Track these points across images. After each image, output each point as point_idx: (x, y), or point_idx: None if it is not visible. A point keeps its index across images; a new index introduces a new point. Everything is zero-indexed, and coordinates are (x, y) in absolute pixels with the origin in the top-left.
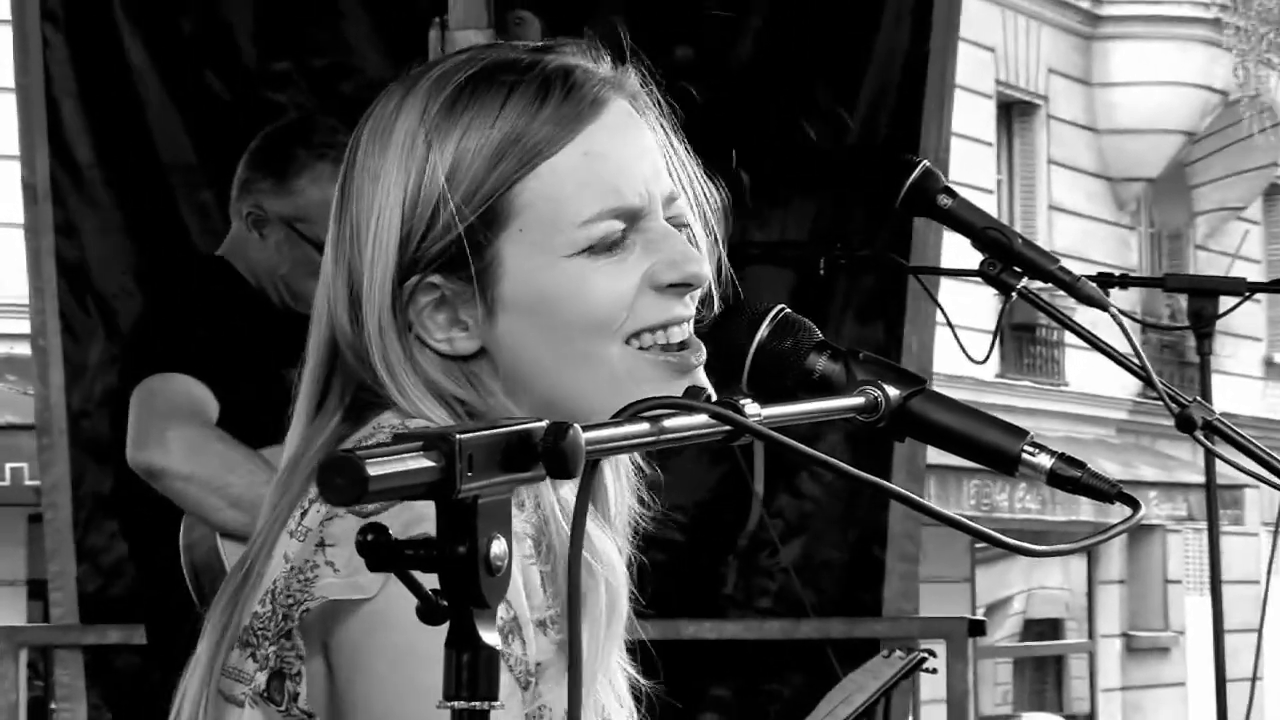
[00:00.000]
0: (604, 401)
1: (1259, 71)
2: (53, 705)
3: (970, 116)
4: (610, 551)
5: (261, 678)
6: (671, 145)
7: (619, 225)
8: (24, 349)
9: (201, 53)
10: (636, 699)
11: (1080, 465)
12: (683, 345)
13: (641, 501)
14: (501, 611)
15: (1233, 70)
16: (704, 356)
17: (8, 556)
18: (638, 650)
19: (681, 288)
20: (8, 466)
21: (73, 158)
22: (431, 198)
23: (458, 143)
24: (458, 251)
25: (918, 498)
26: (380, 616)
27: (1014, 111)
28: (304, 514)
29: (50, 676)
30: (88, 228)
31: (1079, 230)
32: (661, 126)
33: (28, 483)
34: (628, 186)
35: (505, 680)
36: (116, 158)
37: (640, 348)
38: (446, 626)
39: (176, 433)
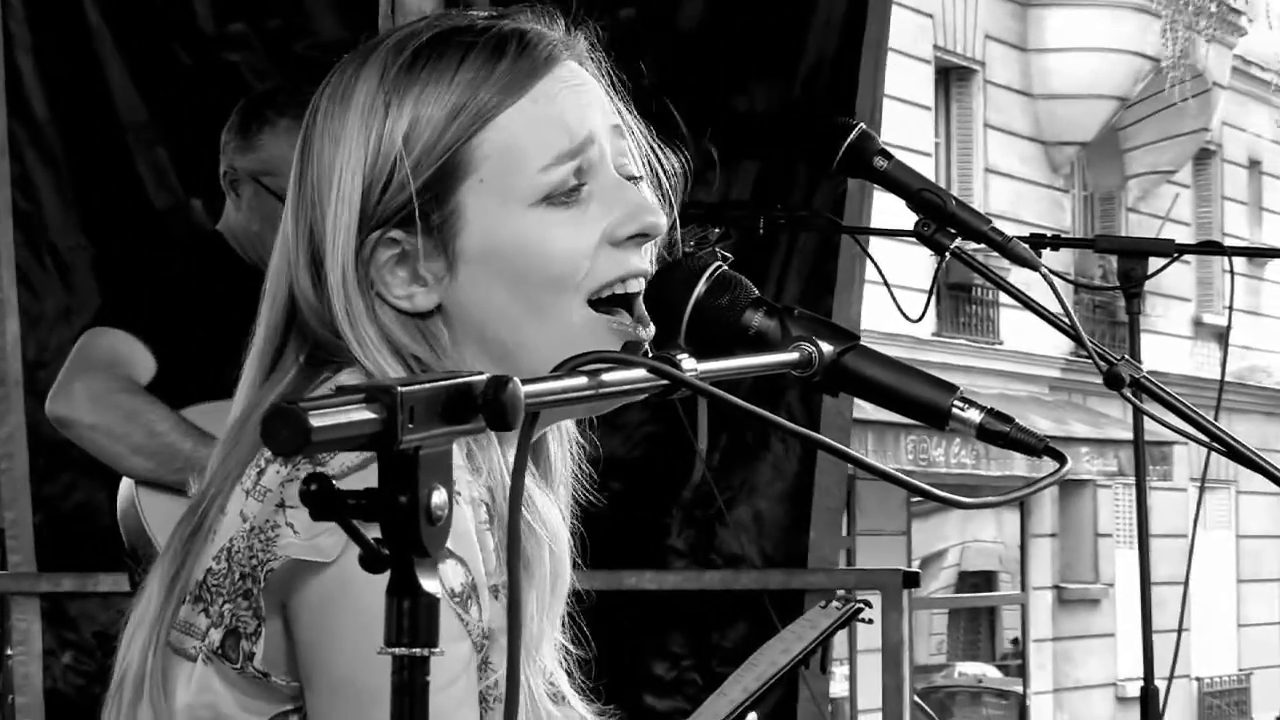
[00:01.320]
0: (560, 357)
1: (1186, 37)
2: (8, 651)
3: (909, 81)
4: (554, 517)
5: (216, 635)
6: (620, 112)
7: (573, 166)
8: None
9: (158, 13)
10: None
11: (1009, 420)
12: (634, 299)
13: (582, 470)
14: (460, 576)
15: (1160, 35)
16: (652, 333)
17: None
18: (582, 605)
19: (639, 238)
20: None
21: (30, 114)
22: (391, 154)
23: (416, 100)
24: (418, 204)
25: (855, 453)
26: (344, 581)
27: (952, 76)
28: (261, 473)
29: (6, 622)
30: (44, 183)
31: (1014, 192)
32: (610, 93)
33: None
34: (577, 126)
35: (465, 647)
36: (73, 115)
37: (598, 302)
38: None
39: (83, 384)
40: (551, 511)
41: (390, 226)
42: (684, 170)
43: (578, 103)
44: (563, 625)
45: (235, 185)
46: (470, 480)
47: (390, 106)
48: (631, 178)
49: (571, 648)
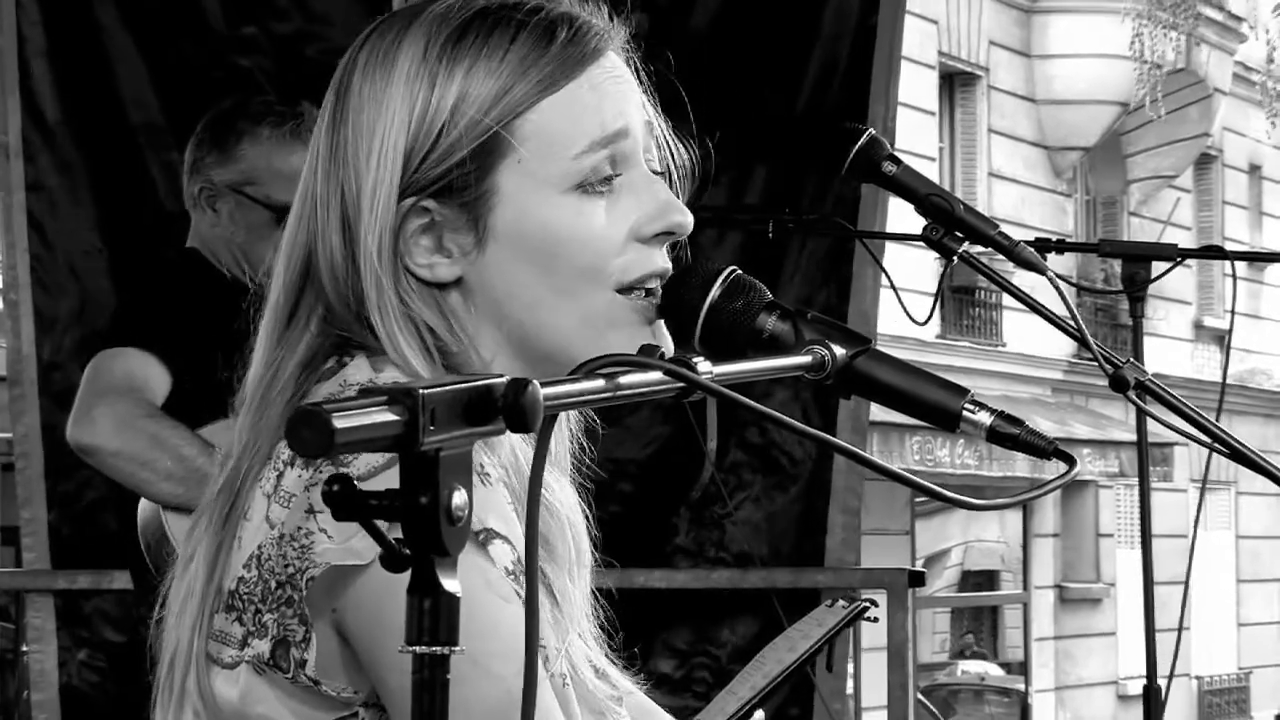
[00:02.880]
0: (576, 340)
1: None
2: (24, 647)
3: (914, 87)
4: (569, 495)
5: (264, 646)
6: (646, 107)
7: (606, 154)
8: None
9: (170, 16)
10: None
11: (1019, 422)
12: (650, 291)
13: (582, 447)
14: (510, 554)
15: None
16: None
17: None
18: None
19: (665, 236)
20: None
21: (44, 117)
22: (436, 123)
23: (466, 72)
24: (456, 177)
25: (864, 453)
26: (388, 580)
27: (956, 82)
28: (280, 476)
29: (21, 620)
30: (58, 185)
31: (1017, 197)
32: (639, 86)
33: None
34: (614, 117)
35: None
36: (86, 117)
37: (622, 293)
38: (470, 565)
39: (105, 410)
40: (566, 490)
41: (424, 195)
42: (693, 167)
43: (619, 94)
44: (594, 600)
45: (213, 200)
46: (489, 459)
47: (438, 76)
48: (656, 174)
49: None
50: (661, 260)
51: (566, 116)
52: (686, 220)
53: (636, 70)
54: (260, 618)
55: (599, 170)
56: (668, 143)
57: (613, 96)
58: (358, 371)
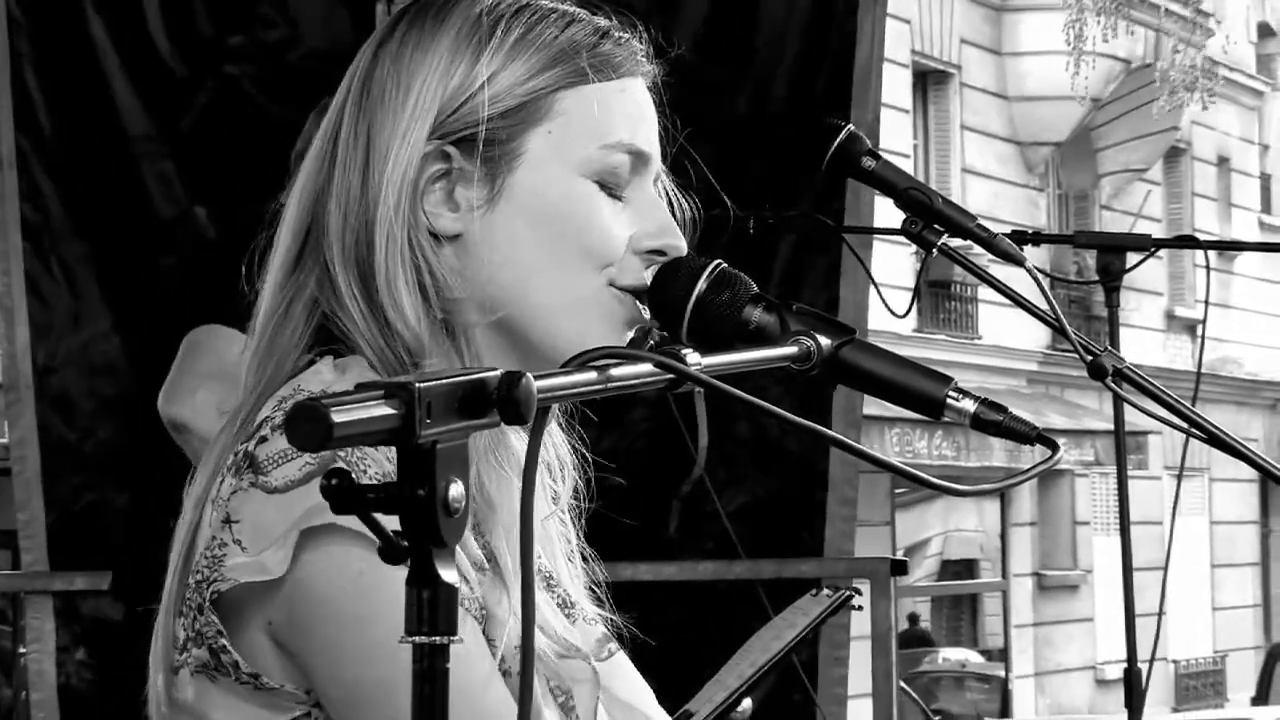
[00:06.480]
0: (557, 320)
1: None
2: (21, 649)
3: (888, 85)
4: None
5: (204, 652)
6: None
7: (628, 160)
8: None
9: (159, 26)
10: (619, 636)
11: (1002, 409)
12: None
13: (582, 439)
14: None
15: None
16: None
17: None
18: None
19: (657, 255)
20: None
21: (38, 128)
22: (479, 77)
23: (518, 40)
24: (486, 130)
25: (853, 442)
26: (313, 590)
27: (929, 80)
28: (222, 481)
29: (19, 621)
30: (51, 194)
31: (990, 192)
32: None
33: None
34: (644, 138)
35: (469, 622)
36: (79, 128)
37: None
38: (388, 575)
39: (208, 395)
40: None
41: (449, 141)
42: (694, 218)
43: (650, 119)
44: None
45: None
46: None
47: (490, 38)
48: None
49: (611, 616)
50: (646, 277)
51: (603, 109)
52: (682, 245)
53: (660, 110)
54: (196, 623)
55: (618, 171)
56: (667, 192)
57: (649, 120)
58: (315, 378)
